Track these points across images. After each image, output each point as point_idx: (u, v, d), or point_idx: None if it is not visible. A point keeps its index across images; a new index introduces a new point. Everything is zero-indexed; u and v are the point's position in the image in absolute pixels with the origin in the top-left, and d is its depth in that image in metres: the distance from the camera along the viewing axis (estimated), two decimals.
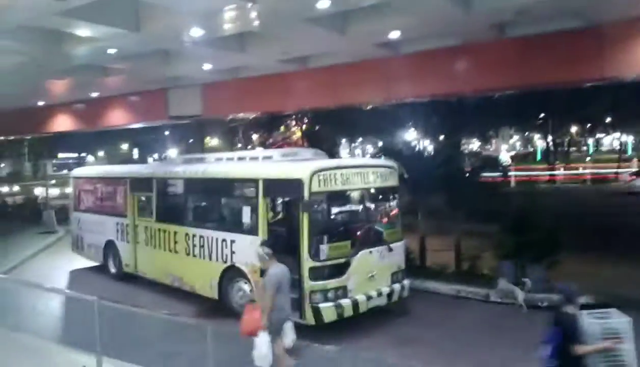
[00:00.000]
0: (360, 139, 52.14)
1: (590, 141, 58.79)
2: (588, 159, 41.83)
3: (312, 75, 13.31)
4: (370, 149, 45.46)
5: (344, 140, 46.68)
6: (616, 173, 35.78)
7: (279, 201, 10.52)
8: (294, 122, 36.40)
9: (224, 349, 6.53)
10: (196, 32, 10.58)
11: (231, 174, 10.02)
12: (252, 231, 8.99)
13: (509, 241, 10.88)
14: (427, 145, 15.86)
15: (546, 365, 5.11)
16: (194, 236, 10.27)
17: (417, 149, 14.90)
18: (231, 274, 9.44)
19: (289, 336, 6.27)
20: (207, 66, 14.18)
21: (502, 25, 10.12)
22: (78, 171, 15.74)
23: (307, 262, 8.11)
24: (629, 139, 50.85)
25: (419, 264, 12.28)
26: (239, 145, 39.23)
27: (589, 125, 52.73)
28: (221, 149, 37.89)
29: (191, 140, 40.56)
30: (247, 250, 8.96)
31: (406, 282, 9.50)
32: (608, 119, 49.15)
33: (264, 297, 6.15)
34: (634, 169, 33.68)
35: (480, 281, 11.33)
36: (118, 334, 7.06)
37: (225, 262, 9.52)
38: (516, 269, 10.81)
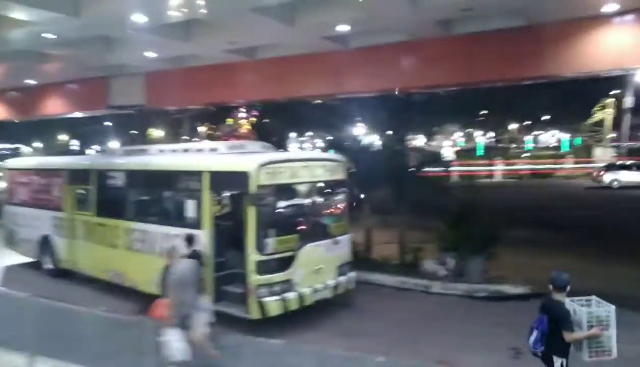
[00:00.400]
0: (309, 133, 52.33)
1: (529, 138, 61.59)
2: (526, 155, 43.71)
3: (260, 66, 13.17)
4: (319, 143, 45.63)
5: (293, 134, 46.68)
6: (551, 168, 37.56)
7: (225, 194, 10.36)
8: (242, 115, 35.96)
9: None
10: (139, 18, 10.21)
11: (175, 166, 9.77)
12: (197, 224, 8.81)
13: (451, 234, 11.23)
14: (374, 140, 16.07)
15: (532, 349, 5.32)
16: (136, 230, 9.96)
17: (364, 143, 15.11)
18: None
19: (199, 328, 6.44)
20: (151, 54, 13.74)
21: (448, 22, 10.39)
22: (12, 163, 14.95)
23: (253, 256, 8.05)
24: (565, 136, 53.50)
25: (365, 256, 12.45)
26: (185, 137, 38.36)
27: (527, 122, 55.31)
28: (166, 141, 36.93)
29: (134, 132, 39.29)
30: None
31: (352, 274, 9.61)
32: (545, 117, 51.79)
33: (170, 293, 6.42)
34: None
35: (422, 273, 11.63)
36: (53, 332, 6.76)
37: None
38: (457, 261, 11.21)
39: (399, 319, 9.09)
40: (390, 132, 14.73)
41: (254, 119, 33.07)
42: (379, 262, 12.55)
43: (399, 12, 9.37)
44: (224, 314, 8.45)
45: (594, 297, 5.37)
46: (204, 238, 8.61)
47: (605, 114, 39.62)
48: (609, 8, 8.91)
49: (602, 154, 38.04)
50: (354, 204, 12.15)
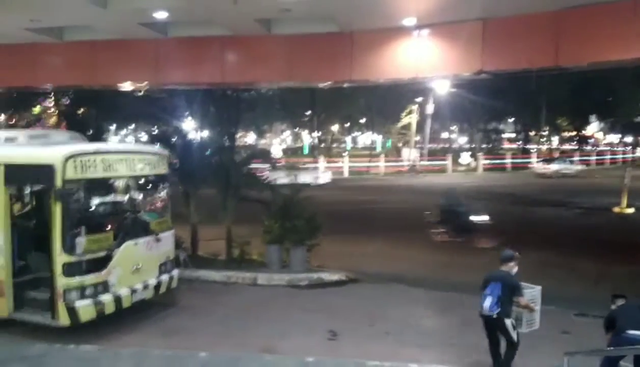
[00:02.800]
0: (132, 127, 49.18)
1: (348, 138, 66.62)
2: (345, 154, 47.13)
3: (69, 49, 11.91)
4: (144, 137, 43.13)
5: (113, 127, 43.35)
6: (367, 166, 41.09)
7: (27, 190, 9.21)
8: (51, 103, 32.21)
9: None
10: None
11: None
12: None
13: (275, 227, 11.60)
14: (202, 136, 15.75)
15: (488, 313, 6.30)
16: None
17: (191, 138, 14.72)
18: None
19: None
20: None
21: (269, 21, 10.65)
22: None
23: (60, 258, 7.30)
24: (378, 137, 59.07)
25: (191, 253, 12.18)
26: None
27: (347, 124, 59.77)
28: None
29: None
30: None
31: (175, 272, 9.32)
32: (362, 120, 56.56)
33: None
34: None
35: (249, 266, 11.84)
36: None
37: None
38: (281, 253, 11.64)
39: (225, 314, 9.11)
40: (219, 128, 14.60)
41: (66, 109, 29.84)
42: (206, 258, 12.41)
43: (218, 4, 9.31)
44: (28, 323, 7.61)
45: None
46: (0, 239, 7.56)
47: (411, 118, 44.64)
48: (408, 22, 10.05)
49: (409, 155, 42.85)
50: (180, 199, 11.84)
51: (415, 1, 9.29)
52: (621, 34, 8.76)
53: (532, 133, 56.44)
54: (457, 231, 15.57)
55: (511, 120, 59.37)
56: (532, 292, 6.59)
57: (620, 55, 9.15)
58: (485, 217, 16.07)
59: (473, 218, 15.92)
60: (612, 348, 5.87)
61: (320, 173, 33.76)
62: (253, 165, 13.68)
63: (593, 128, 62.48)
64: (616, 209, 21.16)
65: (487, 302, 6.35)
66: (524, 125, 56.15)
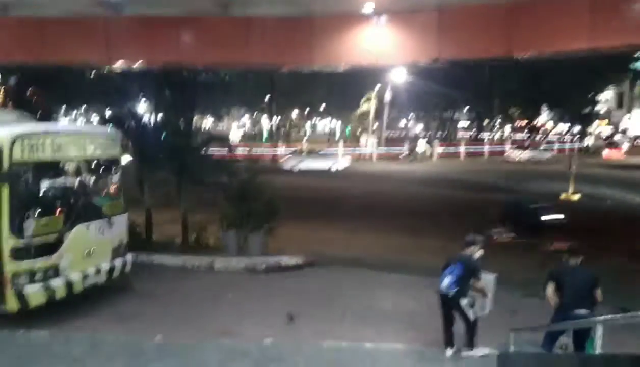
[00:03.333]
0: (83, 108, 47.41)
1: (308, 125, 66.48)
2: (305, 139, 47.12)
3: (16, 25, 11.36)
4: (96, 118, 41.67)
5: (64, 108, 41.65)
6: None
7: None
8: None
9: None
10: None
11: None
12: None
13: (232, 212, 11.51)
14: (157, 118, 15.37)
15: (445, 291, 6.56)
16: None
17: (146, 121, 14.34)
18: None
19: None
20: None
21: (225, 2, 10.47)
22: None
23: (8, 241, 7.04)
24: (337, 124, 59.28)
25: (145, 237, 11.96)
26: None
27: (307, 110, 59.57)
28: None
29: None
30: None
31: (129, 256, 9.13)
32: (322, 106, 56.49)
33: None
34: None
35: (206, 251, 11.73)
36: None
37: None
38: (239, 237, 11.59)
39: (181, 299, 9.01)
40: (174, 112, 14.28)
41: (13, 88, 28.42)
42: (161, 243, 12.20)
43: None
44: None
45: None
46: None
47: (369, 106, 45.01)
48: (367, 8, 10.12)
49: (366, 141, 43.28)
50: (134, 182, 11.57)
51: None
52: (572, 26, 9.13)
53: (485, 122, 58.01)
54: (524, 231, 14.94)
55: (466, 109, 60.76)
56: (486, 278, 6.82)
57: (571, 46, 9.54)
58: (558, 216, 15.33)
59: (545, 217, 15.29)
60: (554, 324, 6.21)
61: (339, 159, 34.74)
62: (211, 150, 13.50)
63: (543, 118, 64.81)
64: (563, 196, 22.15)
65: (446, 281, 6.58)
66: (478, 114, 57.62)
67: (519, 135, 58.14)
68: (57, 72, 18.10)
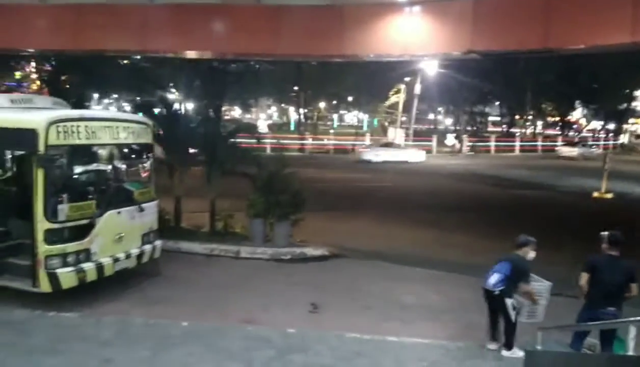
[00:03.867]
0: (116, 96, 48.30)
1: (335, 116, 66.41)
2: (332, 131, 47.00)
3: (53, 12, 11.57)
4: (127, 106, 42.44)
5: (97, 95, 42.52)
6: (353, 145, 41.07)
7: (8, 155, 9.06)
8: (33, 69, 31.41)
9: None
10: None
11: None
12: None
13: (260, 201, 11.58)
14: (188, 107, 15.53)
15: (491, 288, 6.47)
16: None
17: (176, 109, 14.51)
18: None
19: None
20: None
21: None
22: None
23: (42, 224, 7.23)
24: (365, 116, 58.97)
25: (174, 224, 12.14)
26: None
27: (334, 102, 59.45)
28: None
29: None
30: None
31: (158, 242, 9.28)
32: (350, 98, 56.27)
33: None
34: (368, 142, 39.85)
35: (232, 239, 11.84)
36: None
37: None
38: (265, 226, 11.65)
39: (207, 285, 9.14)
40: (204, 101, 14.40)
41: (49, 75, 29.14)
42: (189, 230, 12.37)
43: None
44: (9, 289, 7.54)
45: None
46: None
47: (398, 98, 44.53)
48: None
49: (394, 134, 42.89)
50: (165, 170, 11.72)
51: None
52: (613, 19, 8.79)
53: (516, 117, 56.84)
54: None
55: (497, 103, 59.64)
56: (539, 286, 6.61)
57: (612, 39, 9.18)
58: None
59: None
60: (583, 323, 6.07)
61: (418, 151, 36.21)
62: (240, 140, 13.58)
63: (577, 114, 63.16)
64: (595, 194, 21.56)
65: (493, 278, 6.51)
66: (509, 108, 56.49)
67: (551, 131, 56.82)
68: (91, 59, 18.40)
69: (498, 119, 62.99)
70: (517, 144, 45.88)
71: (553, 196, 22.30)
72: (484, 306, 6.78)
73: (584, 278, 6.08)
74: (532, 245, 6.63)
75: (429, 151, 41.38)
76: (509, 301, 6.44)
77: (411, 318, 8.04)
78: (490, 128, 60.95)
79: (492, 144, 45.11)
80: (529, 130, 56.74)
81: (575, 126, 63.07)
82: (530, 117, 57.01)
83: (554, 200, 21.44)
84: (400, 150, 35.78)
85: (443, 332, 7.45)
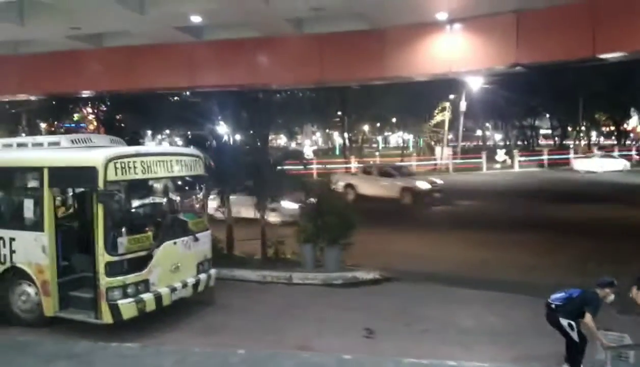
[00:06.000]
0: (167, 130, 50.24)
1: (380, 138, 66.33)
2: (377, 153, 46.89)
3: (107, 55, 12.29)
4: (179, 141, 44.06)
5: (149, 132, 44.39)
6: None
7: (70, 192, 9.55)
8: (89, 109, 33.22)
9: (4, 361, 5.70)
10: None
11: (9, 163, 8.71)
12: (36, 226, 8.00)
13: (309, 227, 11.62)
14: (235, 138, 15.97)
15: (551, 301, 6.31)
16: None
17: (225, 140, 14.93)
18: (11, 276, 8.27)
19: None
20: None
21: (300, 21, 10.72)
22: None
23: (103, 257, 7.50)
24: (410, 137, 58.56)
25: (227, 252, 12.34)
26: (23, 134, 34.35)
27: (378, 124, 59.48)
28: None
29: None
30: (30, 248, 7.99)
31: (213, 271, 9.45)
32: (393, 120, 56.15)
33: None
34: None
35: (284, 265, 11.89)
36: None
37: (4, 263, 8.30)
38: (315, 251, 11.66)
39: (262, 312, 9.18)
40: (251, 131, 14.75)
41: (104, 114, 30.77)
42: (241, 258, 12.54)
43: (250, 4, 9.42)
44: (73, 321, 7.84)
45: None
46: (45, 241, 7.85)
47: (443, 116, 44.03)
48: (440, 16, 9.95)
49: (441, 153, 42.31)
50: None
51: None
52: None
53: (569, 128, 54.93)
54: None
55: (547, 116, 57.90)
56: (613, 336, 6.30)
57: None
58: None
59: None
60: None
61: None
62: (287, 167, 13.77)
63: (633, 122, 60.32)
64: None
65: (559, 294, 6.34)
66: (561, 120, 54.69)
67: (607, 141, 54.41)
68: (143, 97, 19.33)
69: (549, 131, 61.06)
70: (571, 156, 44.18)
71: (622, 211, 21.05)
72: (545, 328, 6.49)
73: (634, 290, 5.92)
74: (615, 288, 6.35)
75: (478, 168, 40.56)
76: (564, 321, 6.17)
77: (470, 341, 7.77)
78: (542, 141, 59.09)
79: (545, 157, 43.63)
80: (583, 142, 54.63)
81: (632, 135, 60.21)
82: (583, 128, 54.93)
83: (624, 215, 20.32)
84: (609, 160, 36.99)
85: (504, 355, 7.16)
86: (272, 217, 14.43)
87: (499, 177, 35.46)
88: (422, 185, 23.41)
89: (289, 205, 14.85)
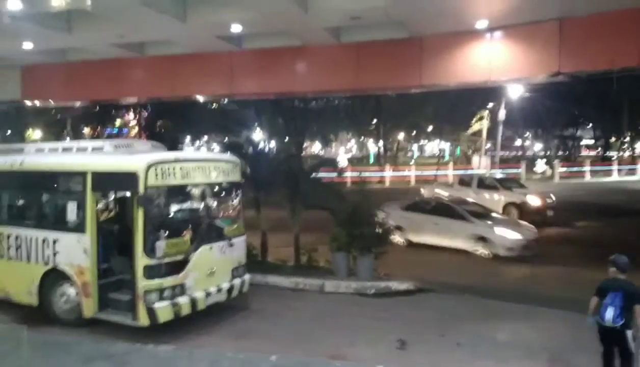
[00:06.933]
0: (205, 137, 51.21)
1: (415, 147, 65.71)
2: (412, 162, 46.42)
3: (150, 63, 12.68)
4: (216, 147, 44.86)
5: (188, 138, 45.34)
6: (435, 175, 40.25)
7: (112, 196, 9.85)
8: (131, 115, 34.23)
9: (45, 359, 5.90)
10: (14, 4, 9.37)
11: (55, 167, 9.06)
12: (79, 228, 8.27)
13: (342, 235, 11.60)
14: (271, 145, 16.16)
15: (613, 323, 5.99)
16: (8, 236, 9.09)
17: (261, 147, 15.10)
18: (53, 277, 8.57)
19: None
20: (27, 45, 12.63)
21: (338, 29, 10.78)
22: None
23: (141, 260, 7.68)
24: (446, 145, 57.78)
25: (261, 259, 12.44)
26: (68, 139, 35.68)
27: (414, 132, 58.93)
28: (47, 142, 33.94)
29: (8, 132, 35.78)
30: (72, 250, 8.27)
31: (247, 277, 9.55)
32: (429, 128, 55.50)
33: None
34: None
35: (317, 273, 11.90)
36: None
37: (47, 264, 8.60)
38: (348, 260, 11.62)
39: (294, 319, 9.20)
40: (287, 138, 14.89)
41: (145, 120, 31.66)
42: (275, 264, 12.61)
43: (289, 15, 9.54)
44: (110, 322, 8.05)
45: None
46: (87, 243, 8.11)
47: (482, 125, 43.22)
48: (480, 24, 9.82)
49: (479, 162, 41.47)
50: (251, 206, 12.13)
51: (488, 3, 9.07)
52: None
53: (612, 139, 53.08)
54: None
55: (589, 126, 56.12)
56: None
57: None
58: None
59: None
60: None
61: None
62: (321, 175, 13.79)
63: None
64: None
65: (610, 312, 6.04)
66: (603, 131, 52.90)
67: None
68: (183, 104, 19.78)
69: (591, 142, 59.16)
70: (615, 167, 42.64)
71: None
72: (583, 343, 6.28)
73: None
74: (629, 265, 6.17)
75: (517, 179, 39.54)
76: (629, 333, 5.98)
77: (505, 356, 7.57)
78: (584, 152, 57.29)
79: (587, 168, 42.25)
80: (627, 153, 52.64)
81: None
82: (627, 139, 52.96)
83: None
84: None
85: None
86: (481, 249, 13.79)
87: (540, 188, 34.50)
88: (532, 200, 20.08)
89: (507, 233, 13.38)
